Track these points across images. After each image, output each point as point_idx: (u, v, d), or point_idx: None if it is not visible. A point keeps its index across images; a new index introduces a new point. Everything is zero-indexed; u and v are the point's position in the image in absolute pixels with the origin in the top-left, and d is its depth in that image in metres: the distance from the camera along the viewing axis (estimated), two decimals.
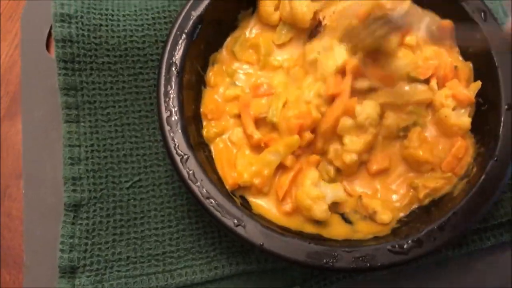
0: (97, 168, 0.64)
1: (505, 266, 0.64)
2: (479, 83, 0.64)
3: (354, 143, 0.61)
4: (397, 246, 0.54)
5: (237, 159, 0.63)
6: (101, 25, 0.68)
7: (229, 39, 0.70)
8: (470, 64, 0.66)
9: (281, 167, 0.63)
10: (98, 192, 0.63)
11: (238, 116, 0.66)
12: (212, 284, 0.61)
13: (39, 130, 0.69)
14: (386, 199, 0.63)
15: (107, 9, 0.69)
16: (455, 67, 0.66)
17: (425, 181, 0.62)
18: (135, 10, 0.70)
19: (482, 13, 0.63)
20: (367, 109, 0.60)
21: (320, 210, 0.59)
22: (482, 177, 0.56)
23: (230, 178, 0.62)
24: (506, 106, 0.57)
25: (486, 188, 0.56)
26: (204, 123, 0.66)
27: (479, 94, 0.63)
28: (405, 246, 0.54)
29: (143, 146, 0.66)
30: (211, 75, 0.68)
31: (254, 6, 0.71)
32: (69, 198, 0.62)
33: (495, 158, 0.56)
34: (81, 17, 0.67)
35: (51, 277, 0.61)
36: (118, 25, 0.68)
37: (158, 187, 0.65)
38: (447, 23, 0.65)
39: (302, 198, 0.59)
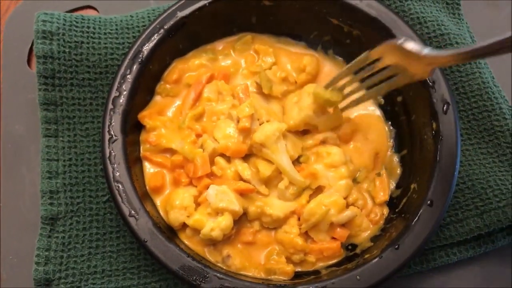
0: (75, 182, 0.65)
1: None
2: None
3: None
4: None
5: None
6: (82, 42, 0.69)
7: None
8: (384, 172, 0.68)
9: None
10: (75, 206, 0.65)
11: None
12: None
13: (18, 144, 0.70)
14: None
15: (88, 27, 0.71)
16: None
17: None
18: (116, 29, 0.72)
19: (445, 105, 0.61)
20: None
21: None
22: (376, 259, 0.56)
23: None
24: (428, 202, 0.58)
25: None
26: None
27: (415, 182, 0.64)
28: None
29: None
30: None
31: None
32: (46, 211, 0.63)
33: (396, 246, 0.56)
34: (63, 34, 0.69)
35: None
36: (99, 43, 0.70)
37: None
38: None
39: None
